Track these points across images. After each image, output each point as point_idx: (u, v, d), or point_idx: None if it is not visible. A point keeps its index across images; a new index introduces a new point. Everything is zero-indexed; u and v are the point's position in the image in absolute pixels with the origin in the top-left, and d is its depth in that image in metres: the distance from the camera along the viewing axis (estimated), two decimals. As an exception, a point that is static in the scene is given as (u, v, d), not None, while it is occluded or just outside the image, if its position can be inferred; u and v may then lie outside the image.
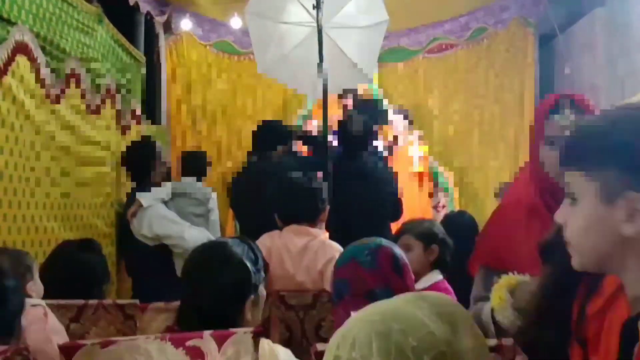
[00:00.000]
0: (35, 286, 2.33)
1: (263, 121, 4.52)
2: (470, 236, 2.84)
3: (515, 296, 1.69)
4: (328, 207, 2.97)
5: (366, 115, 4.37)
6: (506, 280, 1.74)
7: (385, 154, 5.95)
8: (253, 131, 4.25)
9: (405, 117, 6.36)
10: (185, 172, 4.25)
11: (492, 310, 1.78)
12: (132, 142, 4.21)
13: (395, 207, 4.12)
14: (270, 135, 4.15)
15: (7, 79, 2.97)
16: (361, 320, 0.94)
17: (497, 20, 6.29)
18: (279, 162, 3.95)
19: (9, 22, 3.04)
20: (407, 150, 6.24)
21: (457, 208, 5.97)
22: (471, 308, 2.03)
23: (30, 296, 2.25)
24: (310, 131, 5.52)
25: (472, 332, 0.96)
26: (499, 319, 1.73)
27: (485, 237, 2.17)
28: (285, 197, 2.93)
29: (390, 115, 6.29)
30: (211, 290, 1.82)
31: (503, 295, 1.71)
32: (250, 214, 3.87)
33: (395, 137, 6.25)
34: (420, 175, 6.15)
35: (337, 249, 2.73)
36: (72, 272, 2.63)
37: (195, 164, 4.31)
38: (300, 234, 2.84)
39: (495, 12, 6.29)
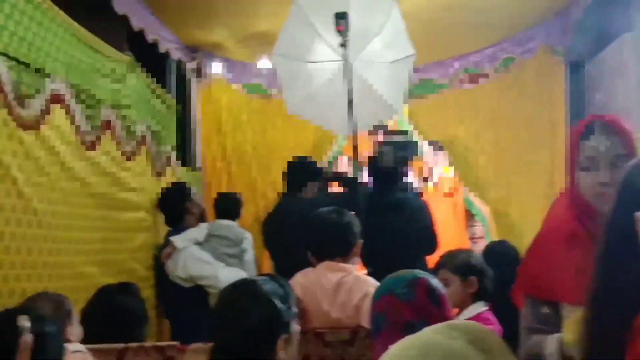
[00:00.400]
0: (75, 330, 2.35)
1: (293, 159, 4.55)
2: (512, 265, 2.81)
3: None
4: (361, 242, 2.95)
5: (396, 149, 4.38)
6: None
7: (421, 185, 5.96)
8: (284, 170, 4.29)
9: (440, 149, 6.34)
10: (220, 214, 4.30)
11: (562, 344, 1.74)
12: (166, 187, 4.27)
13: (429, 240, 4.09)
14: (301, 173, 4.17)
15: (44, 128, 3.05)
16: (398, 357, 0.93)
17: (524, 50, 6.28)
18: (310, 200, 3.96)
19: (44, 73, 3.13)
20: (442, 183, 6.21)
21: (493, 239, 5.90)
22: (523, 340, 1.99)
23: (69, 340, 2.27)
24: (345, 172, 5.53)
25: (506, 356, 0.94)
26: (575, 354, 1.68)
27: (526, 266, 2.12)
28: (316, 234, 2.92)
29: (425, 147, 6.30)
30: (240, 330, 1.81)
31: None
32: (284, 252, 3.87)
33: (431, 169, 6.24)
34: (455, 207, 6.10)
35: (371, 283, 2.71)
36: (112, 315, 2.65)
37: (229, 205, 4.37)
38: (334, 270, 2.81)
39: (521, 42, 6.28)
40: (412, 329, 1.77)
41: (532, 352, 1.90)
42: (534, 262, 2.06)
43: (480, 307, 2.68)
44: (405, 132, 6.23)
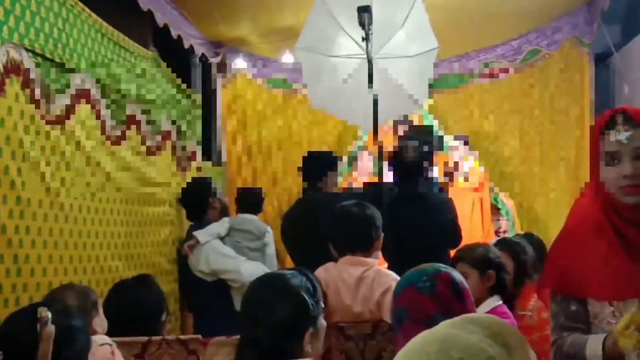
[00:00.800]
0: (101, 321, 2.39)
1: (310, 151, 4.52)
2: (539, 259, 2.78)
3: None
4: (382, 235, 2.94)
5: (420, 142, 4.35)
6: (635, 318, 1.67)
7: (446, 179, 5.91)
8: (303, 158, 4.25)
9: (466, 143, 6.29)
10: (242, 208, 4.32)
11: (610, 346, 1.72)
12: (189, 182, 4.30)
13: (453, 234, 4.07)
14: (318, 164, 4.14)
15: (71, 124, 3.09)
16: (418, 353, 0.92)
17: (550, 42, 6.22)
18: (332, 195, 3.94)
19: (70, 69, 3.17)
20: (471, 177, 6.16)
21: (518, 232, 5.86)
22: (556, 339, 1.95)
23: (95, 332, 2.30)
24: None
25: (524, 349, 0.94)
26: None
27: (552, 261, 2.07)
28: (338, 227, 2.91)
29: (451, 142, 6.26)
30: (268, 324, 1.80)
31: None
32: (303, 247, 3.86)
33: (456, 164, 6.19)
34: (483, 202, 6.04)
35: (393, 277, 2.70)
36: (127, 309, 2.67)
37: (251, 200, 4.38)
38: (355, 264, 2.80)
39: (547, 34, 6.22)
40: (434, 322, 1.74)
41: (571, 353, 1.86)
42: (559, 257, 2.01)
43: (496, 301, 2.67)
44: (429, 127, 6.19)
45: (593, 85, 5.99)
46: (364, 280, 2.75)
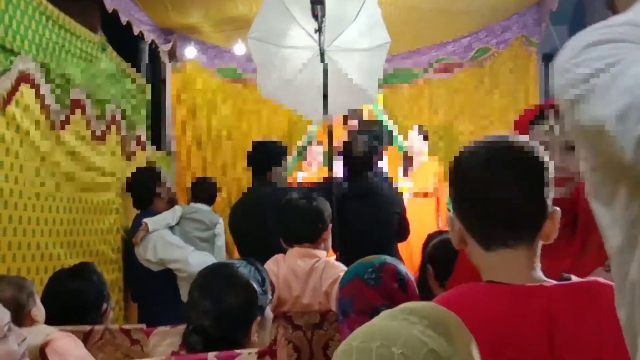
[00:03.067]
0: (39, 311, 2.32)
1: (257, 141, 4.45)
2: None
3: None
4: (330, 227, 2.96)
5: (369, 136, 4.37)
6: None
7: (400, 175, 5.94)
8: (248, 151, 4.20)
9: (425, 138, 6.31)
10: (196, 198, 4.29)
11: None
12: (136, 168, 4.23)
13: (401, 227, 4.11)
14: (266, 154, 4.09)
15: (11, 108, 3.00)
16: (360, 350, 0.91)
17: (499, 41, 6.33)
18: (281, 187, 3.93)
19: (13, 52, 3.07)
20: (424, 170, 6.18)
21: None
22: None
23: (35, 321, 2.25)
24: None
25: (465, 335, 0.95)
26: None
27: (460, 262, 1.98)
28: (286, 219, 2.92)
29: (411, 135, 6.29)
30: (216, 313, 1.80)
31: None
32: (250, 238, 3.83)
33: (411, 158, 6.23)
34: (438, 205, 6.06)
35: (341, 269, 2.71)
36: (66, 299, 2.61)
37: (206, 190, 4.35)
38: (305, 256, 2.83)
39: (497, 33, 6.33)
40: (378, 314, 1.78)
41: None
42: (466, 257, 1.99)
43: None
44: (379, 121, 6.22)
45: (542, 85, 6.11)
46: (314, 272, 2.77)
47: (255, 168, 4.06)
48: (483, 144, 1.38)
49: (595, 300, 1.23)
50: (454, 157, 1.38)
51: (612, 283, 1.02)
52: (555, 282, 1.30)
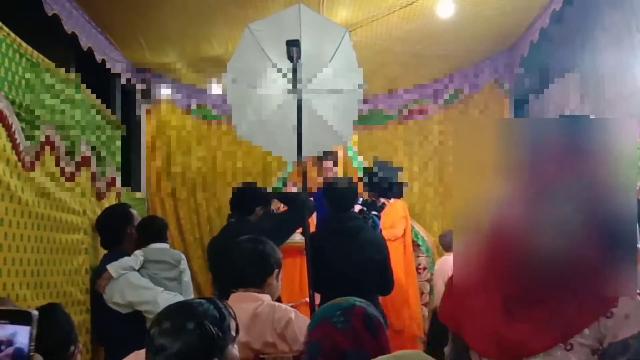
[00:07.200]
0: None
1: (239, 186, 4.50)
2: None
3: None
4: (277, 271, 2.91)
5: (349, 179, 4.39)
6: None
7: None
8: (230, 197, 4.24)
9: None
10: (150, 238, 4.09)
11: None
12: (106, 208, 4.17)
13: (382, 279, 4.04)
14: (247, 199, 4.12)
15: (-20, 145, 2.95)
16: None
17: (471, 85, 6.44)
18: (254, 224, 3.92)
19: (-17, 89, 3.04)
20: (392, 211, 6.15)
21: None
22: None
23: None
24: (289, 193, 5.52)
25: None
26: None
27: (446, 294, 2.05)
28: (231, 263, 2.88)
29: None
30: (171, 353, 1.76)
31: None
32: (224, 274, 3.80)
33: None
34: (405, 248, 5.99)
35: (288, 309, 2.71)
36: None
37: (155, 229, 4.19)
38: (247, 301, 2.76)
39: (469, 77, 6.43)
40: (346, 358, 1.75)
41: None
42: (450, 295, 1.99)
43: None
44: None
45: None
46: (258, 316, 2.70)
47: (237, 211, 4.09)
48: None
49: None
50: None
51: None
52: None
